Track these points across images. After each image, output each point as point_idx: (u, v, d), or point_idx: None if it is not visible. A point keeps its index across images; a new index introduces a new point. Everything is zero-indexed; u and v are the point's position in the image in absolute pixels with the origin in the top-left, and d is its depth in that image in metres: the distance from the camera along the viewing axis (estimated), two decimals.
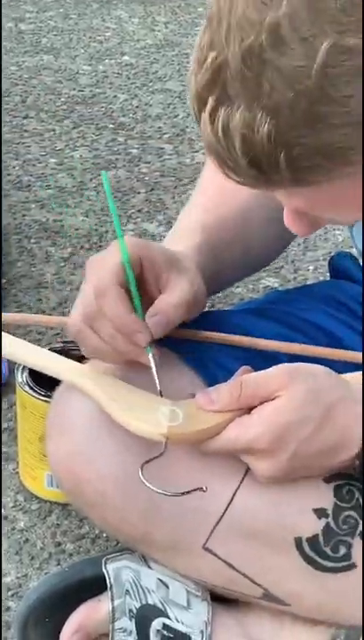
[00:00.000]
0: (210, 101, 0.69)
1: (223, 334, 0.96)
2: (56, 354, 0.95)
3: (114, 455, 0.88)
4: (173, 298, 0.87)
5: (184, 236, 0.98)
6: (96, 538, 1.19)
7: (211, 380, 0.93)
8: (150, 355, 0.86)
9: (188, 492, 0.83)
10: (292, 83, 0.66)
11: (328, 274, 1.19)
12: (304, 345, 0.96)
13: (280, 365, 0.84)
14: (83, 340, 0.88)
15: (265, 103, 0.67)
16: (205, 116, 0.70)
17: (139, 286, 0.87)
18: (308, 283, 1.66)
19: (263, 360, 0.94)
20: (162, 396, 0.86)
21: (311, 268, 1.72)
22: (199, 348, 0.97)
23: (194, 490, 0.83)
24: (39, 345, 1.35)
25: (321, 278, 1.67)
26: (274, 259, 1.15)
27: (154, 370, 0.86)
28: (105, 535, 1.18)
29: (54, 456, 0.93)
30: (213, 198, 1.01)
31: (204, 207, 1.01)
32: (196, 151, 2.10)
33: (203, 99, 0.70)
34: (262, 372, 0.84)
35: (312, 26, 0.65)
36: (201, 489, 0.84)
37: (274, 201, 0.77)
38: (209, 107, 0.70)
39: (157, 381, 0.86)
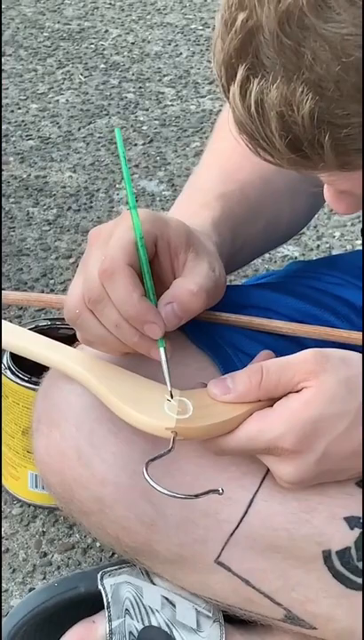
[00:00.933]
0: (241, 71, 0.69)
1: (238, 316, 0.96)
2: (43, 336, 0.94)
3: (115, 454, 0.88)
4: (191, 284, 0.85)
5: (198, 206, 0.96)
6: (88, 548, 1.19)
7: (226, 365, 0.93)
8: (161, 350, 0.85)
9: (202, 495, 0.83)
10: (338, 54, 0.66)
11: (357, 241, 1.19)
12: (335, 328, 0.96)
13: (307, 350, 0.84)
14: (82, 325, 0.86)
15: (307, 76, 0.67)
16: (235, 88, 0.70)
17: (152, 269, 0.86)
18: (334, 252, 1.66)
19: (287, 342, 0.94)
20: (172, 397, 0.85)
21: (337, 234, 1.72)
22: (211, 327, 0.96)
23: (209, 492, 0.83)
24: (20, 323, 1.36)
25: (349, 247, 1.67)
26: (299, 231, 1.15)
27: (164, 367, 0.85)
28: (98, 545, 1.19)
29: (42, 453, 0.93)
30: (232, 159, 1.01)
31: (221, 170, 1.00)
32: (202, 96, 2.09)
33: (232, 67, 0.70)
34: (286, 357, 0.84)
35: None
36: (216, 491, 0.83)
37: None
38: (239, 77, 0.69)
39: (168, 381, 0.85)
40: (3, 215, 1.73)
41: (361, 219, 1.68)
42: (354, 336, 0.94)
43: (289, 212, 1.05)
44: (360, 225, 1.66)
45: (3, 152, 1.89)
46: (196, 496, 0.82)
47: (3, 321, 0.95)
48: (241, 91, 0.70)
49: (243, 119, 0.71)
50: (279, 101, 0.68)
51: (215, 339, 0.96)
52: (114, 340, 0.85)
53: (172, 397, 0.84)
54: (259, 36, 0.68)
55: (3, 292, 0.97)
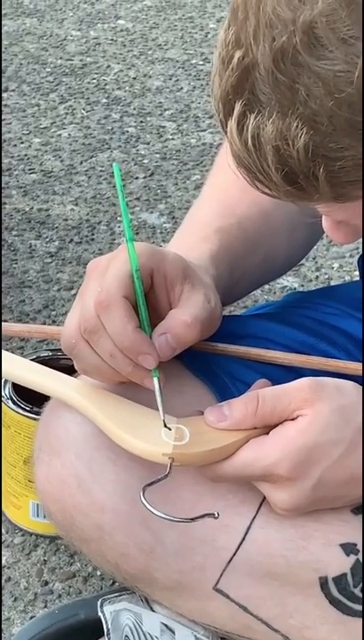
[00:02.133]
0: (238, 107, 0.71)
1: (237, 347, 0.97)
2: (43, 365, 0.96)
3: (114, 482, 0.89)
4: (186, 315, 0.87)
5: (196, 239, 0.98)
6: (88, 576, 1.20)
7: (223, 393, 0.94)
8: (155, 380, 0.86)
9: (198, 518, 0.84)
10: (331, 90, 0.67)
11: (355, 272, 1.20)
12: (332, 359, 0.97)
13: (303, 379, 0.85)
14: (78, 355, 0.88)
15: (301, 112, 0.68)
16: (232, 123, 0.71)
17: (147, 301, 0.87)
18: (332, 283, 1.67)
19: (284, 371, 0.95)
20: (166, 426, 0.86)
21: (335, 265, 1.73)
22: (208, 355, 0.97)
23: (205, 515, 0.84)
24: (22, 354, 1.37)
25: (347, 278, 1.68)
26: (297, 263, 1.16)
27: (158, 397, 0.86)
28: (99, 573, 1.19)
29: (42, 481, 0.93)
30: (231, 193, 1.02)
31: (220, 204, 1.02)
32: (202, 130, 2.11)
33: (230, 103, 0.71)
34: (282, 385, 0.85)
35: (352, 25, 0.66)
36: (212, 515, 0.84)
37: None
38: (236, 113, 0.71)
39: (161, 410, 0.86)
40: (5, 248, 1.74)
41: (361, 249, 1.69)
42: (352, 366, 0.95)
43: (287, 245, 1.07)
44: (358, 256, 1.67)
45: (6, 186, 1.91)
46: (192, 519, 0.83)
47: (3, 351, 0.96)
48: (238, 126, 0.71)
49: (241, 153, 0.72)
50: (275, 136, 0.69)
51: (212, 367, 0.97)
52: (108, 370, 0.86)
53: (168, 424, 0.85)
54: (255, 72, 0.69)
55: (5, 324, 0.99)
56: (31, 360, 1.00)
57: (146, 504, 0.81)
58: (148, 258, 0.86)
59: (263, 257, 1.03)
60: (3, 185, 1.91)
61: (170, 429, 0.84)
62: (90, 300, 0.85)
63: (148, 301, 0.87)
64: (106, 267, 0.86)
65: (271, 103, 0.69)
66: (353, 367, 0.94)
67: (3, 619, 1.15)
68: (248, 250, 1.00)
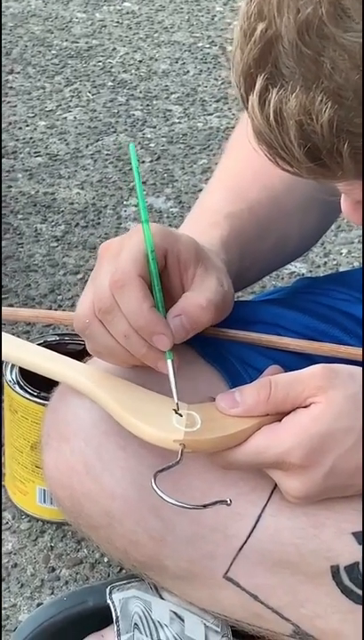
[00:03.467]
0: (260, 81, 0.69)
1: (247, 333, 0.96)
2: (51, 350, 0.95)
3: (124, 469, 0.88)
4: (200, 298, 0.86)
5: (207, 225, 0.97)
6: (96, 563, 1.19)
7: (235, 380, 0.93)
8: (169, 362, 0.85)
9: (210, 505, 0.83)
10: (357, 63, 0.66)
11: None
12: (343, 345, 0.96)
13: (316, 366, 0.84)
14: (91, 336, 0.87)
15: (326, 85, 0.67)
16: (254, 98, 0.70)
17: (161, 282, 0.86)
18: (341, 269, 1.66)
19: (296, 357, 0.94)
20: (178, 409, 0.85)
21: (344, 251, 1.72)
22: (220, 341, 0.96)
23: (217, 502, 0.83)
24: (28, 338, 1.36)
25: (356, 264, 1.67)
26: (308, 250, 1.15)
27: (172, 380, 0.85)
28: (106, 560, 1.19)
29: (51, 468, 0.93)
30: (241, 178, 1.01)
31: (231, 189, 1.01)
32: (209, 114, 2.10)
33: (251, 77, 0.70)
34: (295, 372, 0.84)
35: None
36: (224, 501, 0.83)
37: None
38: (258, 87, 0.70)
39: (175, 394, 0.85)
40: (11, 231, 1.73)
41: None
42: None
43: (298, 232, 1.06)
44: None
45: (11, 169, 1.90)
46: (204, 506, 0.83)
47: (11, 336, 0.95)
48: (260, 100, 0.70)
49: (262, 128, 0.71)
50: (298, 110, 0.68)
51: (223, 353, 0.96)
52: (122, 351, 0.85)
53: (179, 410, 0.85)
54: (278, 45, 0.68)
55: (12, 309, 0.98)
56: (38, 345, 1.00)
57: (158, 490, 0.80)
58: (162, 239, 0.86)
59: (274, 242, 1.02)
60: (8, 168, 1.89)
61: (181, 415, 0.84)
62: (104, 280, 0.84)
63: (161, 283, 0.86)
64: (119, 248, 0.86)
65: (294, 77, 0.68)
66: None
67: (9, 605, 1.15)
68: (259, 235, 0.99)
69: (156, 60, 2.31)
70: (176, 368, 0.85)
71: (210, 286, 0.87)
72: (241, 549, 0.89)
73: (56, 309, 1.53)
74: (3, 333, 0.94)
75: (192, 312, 0.85)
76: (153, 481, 0.81)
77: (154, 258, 0.85)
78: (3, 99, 2.11)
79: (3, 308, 0.98)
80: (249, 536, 0.89)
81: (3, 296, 1.57)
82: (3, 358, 0.93)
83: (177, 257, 0.87)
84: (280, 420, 0.83)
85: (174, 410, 0.84)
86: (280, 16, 0.68)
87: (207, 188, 1.05)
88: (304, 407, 0.82)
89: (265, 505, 0.89)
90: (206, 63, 2.30)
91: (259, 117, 0.70)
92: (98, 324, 0.85)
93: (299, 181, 1.01)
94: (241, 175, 1.02)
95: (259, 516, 0.88)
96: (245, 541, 0.89)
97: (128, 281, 0.83)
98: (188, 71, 2.26)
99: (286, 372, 0.86)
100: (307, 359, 0.95)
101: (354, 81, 0.66)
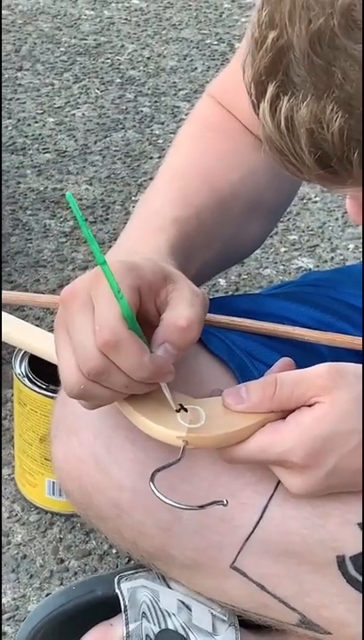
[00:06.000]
0: (271, 88, 0.70)
1: (263, 323, 0.96)
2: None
3: (132, 461, 0.89)
4: (179, 320, 0.82)
5: (153, 227, 0.94)
6: (104, 554, 1.20)
7: (243, 373, 0.94)
8: (163, 384, 0.84)
9: (206, 506, 0.83)
10: None
11: None
12: (344, 334, 0.96)
13: (322, 365, 0.84)
14: (89, 396, 0.84)
15: (337, 95, 0.68)
16: (265, 105, 0.71)
17: (137, 316, 0.81)
18: (347, 264, 1.67)
19: (303, 352, 0.94)
20: (180, 409, 0.84)
21: (351, 246, 1.72)
22: (226, 333, 0.97)
23: (213, 503, 0.83)
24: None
25: None
26: (253, 252, 1.15)
27: (167, 394, 0.84)
28: (114, 551, 1.19)
29: (60, 460, 0.93)
30: (189, 181, 0.99)
31: (179, 190, 0.99)
32: None
33: (262, 84, 0.71)
34: (301, 370, 0.84)
35: None
36: (220, 502, 0.83)
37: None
38: (269, 94, 0.70)
39: (170, 398, 0.84)
40: (20, 227, 1.74)
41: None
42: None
43: (243, 237, 1.05)
44: None
45: (20, 165, 1.90)
46: (200, 507, 0.83)
47: (17, 319, 0.93)
48: (271, 107, 0.71)
49: (273, 135, 0.72)
50: (309, 119, 0.69)
51: (230, 345, 0.97)
52: (122, 396, 0.84)
53: (179, 411, 0.84)
54: (290, 54, 0.69)
55: (9, 292, 0.97)
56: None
57: (155, 490, 0.81)
58: (131, 278, 0.81)
59: (219, 248, 1.01)
60: (18, 164, 1.90)
61: (186, 410, 0.84)
62: (85, 340, 0.80)
63: (138, 316, 0.82)
64: (88, 297, 0.81)
65: (305, 86, 0.69)
66: None
67: (19, 596, 1.16)
68: (205, 242, 0.98)
69: (164, 56, 2.31)
70: (183, 364, 0.85)
71: (186, 301, 0.83)
72: (247, 539, 0.89)
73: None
74: (16, 319, 0.93)
75: (175, 338, 0.82)
76: (150, 481, 0.81)
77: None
78: (12, 95, 2.12)
79: None
80: (256, 526, 0.89)
81: (12, 291, 1.58)
82: (9, 342, 0.92)
83: (148, 288, 0.83)
84: (284, 418, 0.83)
85: (180, 404, 0.84)
86: (292, 25, 0.68)
87: (153, 186, 1.03)
88: (309, 406, 0.82)
89: (272, 495, 0.89)
90: (214, 60, 2.30)
91: (270, 124, 0.71)
92: (93, 385, 0.81)
93: (246, 185, 1.02)
94: (189, 176, 1.01)
95: (266, 507, 0.89)
96: (252, 531, 0.89)
97: (121, 339, 0.79)
98: (196, 68, 2.26)
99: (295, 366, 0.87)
100: (314, 354, 0.95)
101: None
